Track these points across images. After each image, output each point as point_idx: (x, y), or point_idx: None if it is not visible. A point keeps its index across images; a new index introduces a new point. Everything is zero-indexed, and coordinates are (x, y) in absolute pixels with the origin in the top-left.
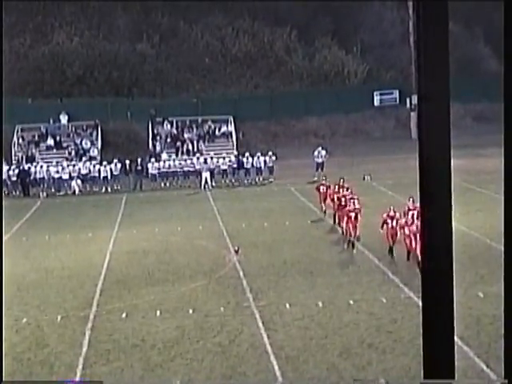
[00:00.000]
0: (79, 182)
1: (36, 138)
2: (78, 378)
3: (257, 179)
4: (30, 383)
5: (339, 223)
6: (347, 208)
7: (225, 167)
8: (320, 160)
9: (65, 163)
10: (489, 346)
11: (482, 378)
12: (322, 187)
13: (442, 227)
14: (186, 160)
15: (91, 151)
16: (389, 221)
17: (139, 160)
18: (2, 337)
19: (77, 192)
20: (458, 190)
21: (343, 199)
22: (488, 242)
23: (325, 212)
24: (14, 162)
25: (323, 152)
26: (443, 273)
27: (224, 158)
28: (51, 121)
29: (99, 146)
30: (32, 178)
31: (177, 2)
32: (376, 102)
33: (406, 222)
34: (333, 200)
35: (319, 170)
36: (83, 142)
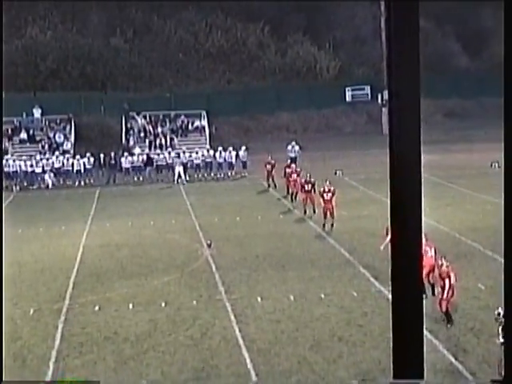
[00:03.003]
0: (52, 175)
1: (9, 131)
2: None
3: (229, 173)
4: (30, 383)
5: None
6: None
7: (198, 161)
8: (293, 155)
9: (38, 157)
10: (458, 341)
11: (450, 377)
12: (268, 165)
13: (411, 222)
14: (159, 154)
15: (64, 145)
16: None
17: (112, 154)
18: (2, 338)
19: (50, 186)
20: (428, 184)
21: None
22: (457, 236)
23: (269, 186)
24: None
25: (297, 147)
26: (412, 269)
27: (197, 152)
28: (24, 114)
29: (72, 140)
30: (5, 171)
31: None
32: (348, 98)
33: None
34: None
35: (292, 164)
36: (56, 136)
